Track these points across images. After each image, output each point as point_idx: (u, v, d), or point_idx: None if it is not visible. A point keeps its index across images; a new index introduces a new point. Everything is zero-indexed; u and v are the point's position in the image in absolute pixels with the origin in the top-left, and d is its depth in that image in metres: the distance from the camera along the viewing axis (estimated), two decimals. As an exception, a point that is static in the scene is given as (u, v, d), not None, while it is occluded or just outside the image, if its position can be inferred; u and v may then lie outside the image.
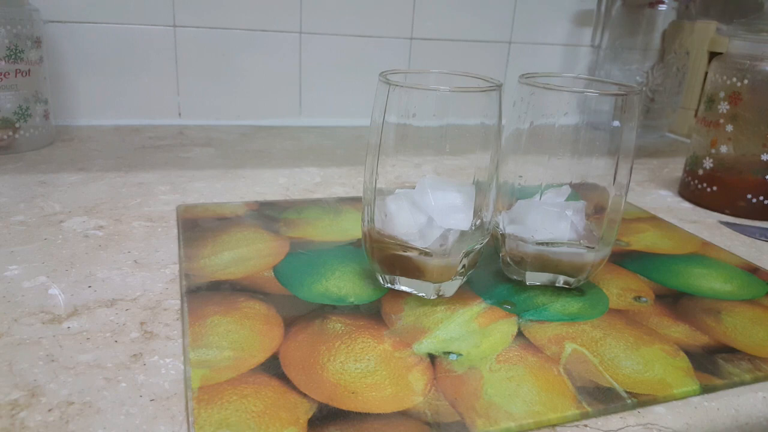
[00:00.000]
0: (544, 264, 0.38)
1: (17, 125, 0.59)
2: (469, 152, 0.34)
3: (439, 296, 0.36)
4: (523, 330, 0.34)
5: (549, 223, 0.37)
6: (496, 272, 0.40)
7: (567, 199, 0.37)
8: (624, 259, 0.44)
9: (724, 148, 0.56)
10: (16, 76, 0.58)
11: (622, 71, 0.84)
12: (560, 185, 0.37)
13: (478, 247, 0.35)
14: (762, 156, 0.54)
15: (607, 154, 0.35)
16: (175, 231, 0.44)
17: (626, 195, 0.37)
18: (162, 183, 0.54)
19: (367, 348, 0.31)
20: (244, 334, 0.31)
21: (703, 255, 0.46)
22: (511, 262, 0.39)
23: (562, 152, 0.37)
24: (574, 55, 0.92)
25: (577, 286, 0.39)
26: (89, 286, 0.35)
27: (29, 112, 0.60)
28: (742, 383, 0.31)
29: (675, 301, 0.38)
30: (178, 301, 0.35)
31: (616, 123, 0.34)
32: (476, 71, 0.36)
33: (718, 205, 0.57)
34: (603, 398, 0.28)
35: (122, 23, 0.71)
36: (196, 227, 0.44)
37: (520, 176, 0.38)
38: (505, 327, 0.34)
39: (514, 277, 0.39)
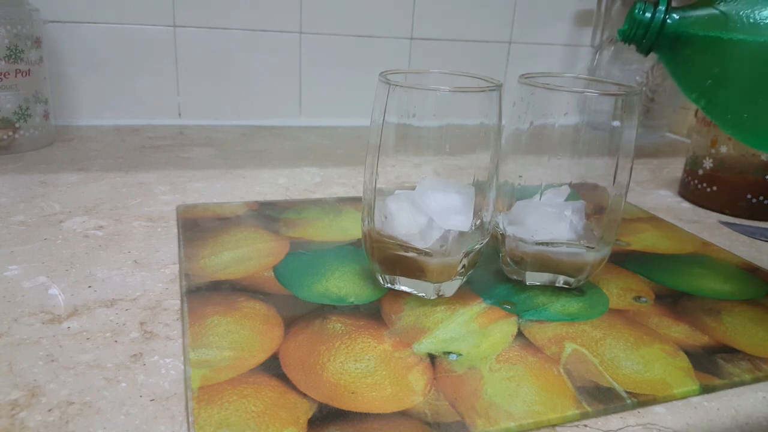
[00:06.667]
0: (544, 264, 0.38)
1: (17, 125, 0.59)
2: (469, 152, 0.34)
3: (439, 296, 0.36)
4: (523, 330, 0.34)
5: (549, 223, 0.37)
6: (496, 272, 0.40)
7: (567, 199, 0.37)
8: (624, 259, 0.44)
9: (724, 148, 0.56)
10: (16, 76, 0.58)
11: (622, 71, 0.84)
12: (560, 185, 0.37)
13: (478, 247, 0.35)
14: (762, 156, 0.54)
15: (607, 154, 0.35)
16: (175, 231, 0.44)
17: (626, 195, 0.37)
18: (162, 183, 0.54)
19: (367, 348, 0.31)
20: (244, 334, 0.31)
21: (703, 255, 0.46)
22: (511, 262, 0.39)
23: (562, 152, 0.37)
24: (574, 55, 0.92)
25: (577, 286, 0.39)
26: (89, 286, 0.35)
27: (29, 112, 0.60)
28: (742, 383, 0.31)
29: (675, 301, 0.38)
30: (178, 301, 0.35)
31: (616, 123, 0.34)
32: (476, 71, 0.36)
33: (718, 205, 0.57)
34: (603, 398, 0.28)
35: (122, 23, 0.71)
36: (196, 227, 0.44)
37: (520, 176, 0.38)
38: (505, 327, 0.34)
39: (514, 277, 0.39)
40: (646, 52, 0.36)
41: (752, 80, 0.32)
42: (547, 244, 0.37)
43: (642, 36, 0.35)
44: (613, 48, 0.38)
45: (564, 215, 0.37)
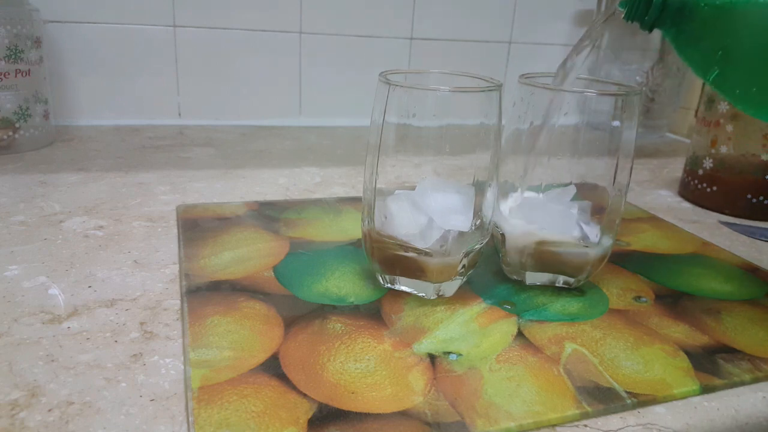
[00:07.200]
0: (544, 264, 0.38)
1: (17, 125, 0.59)
2: (469, 152, 0.34)
3: (439, 296, 0.36)
4: (523, 330, 0.34)
5: (554, 222, 0.37)
6: (496, 272, 0.40)
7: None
8: (624, 259, 0.44)
9: (724, 148, 0.56)
10: (16, 76, 0.58)
11: (622, 71, 0.84)
12: (566, 185, 0.37)
13: (478, 247, 0.35)
14: (762, 156, 0.54)
15: (607, 154, 0.35)
16: (175, 231, 0.44)
17: (626, 195, 0.37)
18: (162, 183, 0.54)
19: (367, 348, 0.31)
20: (244, 334, 0.31)
21: (703, 255, 0.46)
22: (511, 262, 0.39)
23: (562, 152, 0.37)
24: (574, 55, 0.92)
25: (577, 286, 0.39)
26: (89, 286, 0.35)
27: (29, 112, 0.60)
28: (742, 383, 0.31)
29: (675, 301, 0.38)
30: (178, 301, 0.35)
31: (616, 123, 0.34)
32: (476, 71, 0.36)
33: (718, 205, 0.57)
34: (603, 398, 0.28)
35: (122, 23, 0.71)
36: (196, 227, 0.44)
37: (520, 176, 0.38)
38: (505, 327, 0.34)
39: (514, 277, 0.39)
40: (650, 29, 0.35)
41: (760, 50, 0.31)
42: (547, 243, 0.37)
43: (644, 12, 0.34)
44: (606, 31, 0.37)
45: (570, 214, 0.37)
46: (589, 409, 0.28)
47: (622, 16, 0.35)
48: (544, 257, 0.37)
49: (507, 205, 0.38)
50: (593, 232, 0.37)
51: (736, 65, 0.32)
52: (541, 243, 0.37)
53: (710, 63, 0.33)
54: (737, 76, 0.32)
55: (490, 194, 0.35)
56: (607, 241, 0.37)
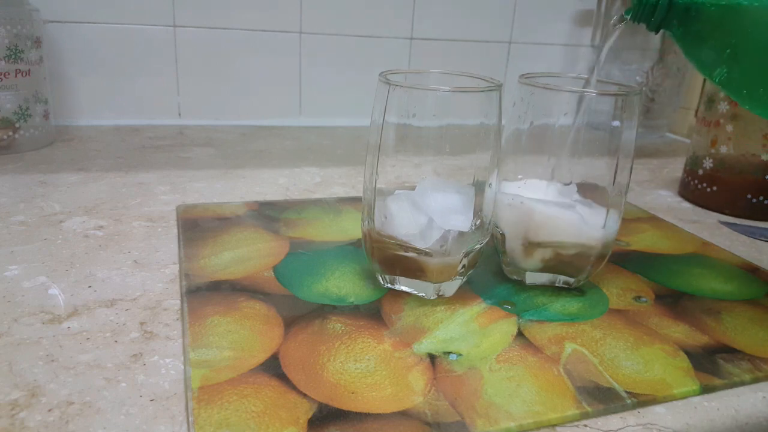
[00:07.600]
0: (544, 264, 0.38)
1: (17, 125, 0.59)
2: (469, 152, 0.34)
3: (439, 296, 0.36)
4: (523, 330, 0.34)
5: (552, 222, 0.37)
6: (496, 272, 0.40)
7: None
8: (624, 259, 0.44)
9: (724, 148, 0.56)
10: (16, 76, 0.58)
11: (622, 71, 0.84)
12: (566, 184, 0.37)
13: (478, 247, 0.35)
14: (762, 156, 0.54)
15: (607, 154, 0.35)
16: (175, 231, 0.44)
17: (626, 195, 0.37)
18: (162, 183, 0.54)
19: (367, 348, 0.31)
20: (244, 334, 0.31)
21: (703, 255, 0.46)
22: (511, 262, 0.39)
23: (562, 152, 0.37)
24: (574, 55, 0.92)
25: (577, 286, 0.39)
26: (89, 286, 0.35)
27: (29, 112, 0.60)
28: (742, 383, 0.31)
29: (675, 301, 0.38)
30: (178, 301, 0.35)
31: (616, 123, 0.34)
32: (476, 71, 0.36)
33: (718, 205, 0.57)
34: (603, 398, 0.28)
35: (122, 23, 0.71)
36: (196, 227, 0.44)
37: (520, 176, 0.38)
38: (505, 327, 0.34)
39: (514, 277, 0.39)
40: (657, 30, 0.35)
41: (766, 50, 0.31)
42: (548, 243, 0.37)
43: (651, 13, 0.34)
44: (617, 33, 0.37)
45: (570, 212, 0.37)
46: (589, 409, 0.28)
47: (628, 18, 0.35)
48: (544, 257, 0.37)
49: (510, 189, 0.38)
50: (595, 231, 0.37)
51: (744, 65, 0.32)
52: (541, 243, 0.37)
53: (717, 63, 0.32)
54: (744, 75, 0.32)
55: (489, 194, 0.35)
56: (608, 241, 0.37)
